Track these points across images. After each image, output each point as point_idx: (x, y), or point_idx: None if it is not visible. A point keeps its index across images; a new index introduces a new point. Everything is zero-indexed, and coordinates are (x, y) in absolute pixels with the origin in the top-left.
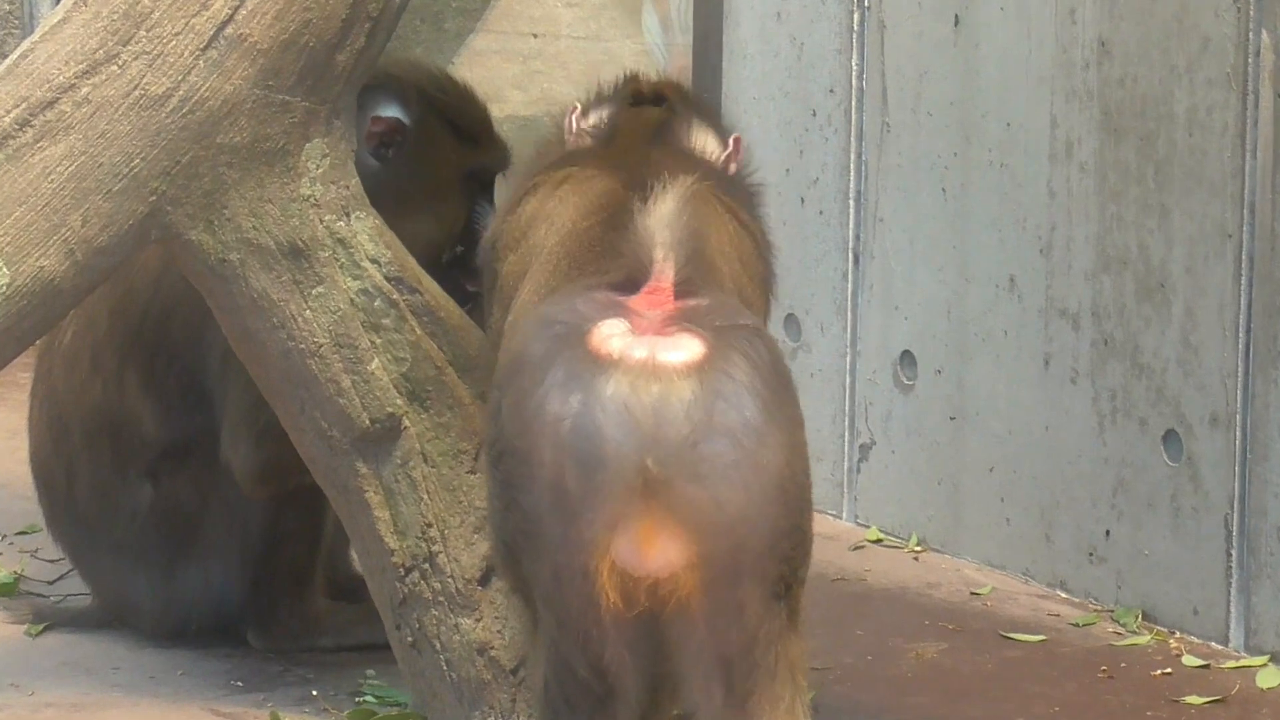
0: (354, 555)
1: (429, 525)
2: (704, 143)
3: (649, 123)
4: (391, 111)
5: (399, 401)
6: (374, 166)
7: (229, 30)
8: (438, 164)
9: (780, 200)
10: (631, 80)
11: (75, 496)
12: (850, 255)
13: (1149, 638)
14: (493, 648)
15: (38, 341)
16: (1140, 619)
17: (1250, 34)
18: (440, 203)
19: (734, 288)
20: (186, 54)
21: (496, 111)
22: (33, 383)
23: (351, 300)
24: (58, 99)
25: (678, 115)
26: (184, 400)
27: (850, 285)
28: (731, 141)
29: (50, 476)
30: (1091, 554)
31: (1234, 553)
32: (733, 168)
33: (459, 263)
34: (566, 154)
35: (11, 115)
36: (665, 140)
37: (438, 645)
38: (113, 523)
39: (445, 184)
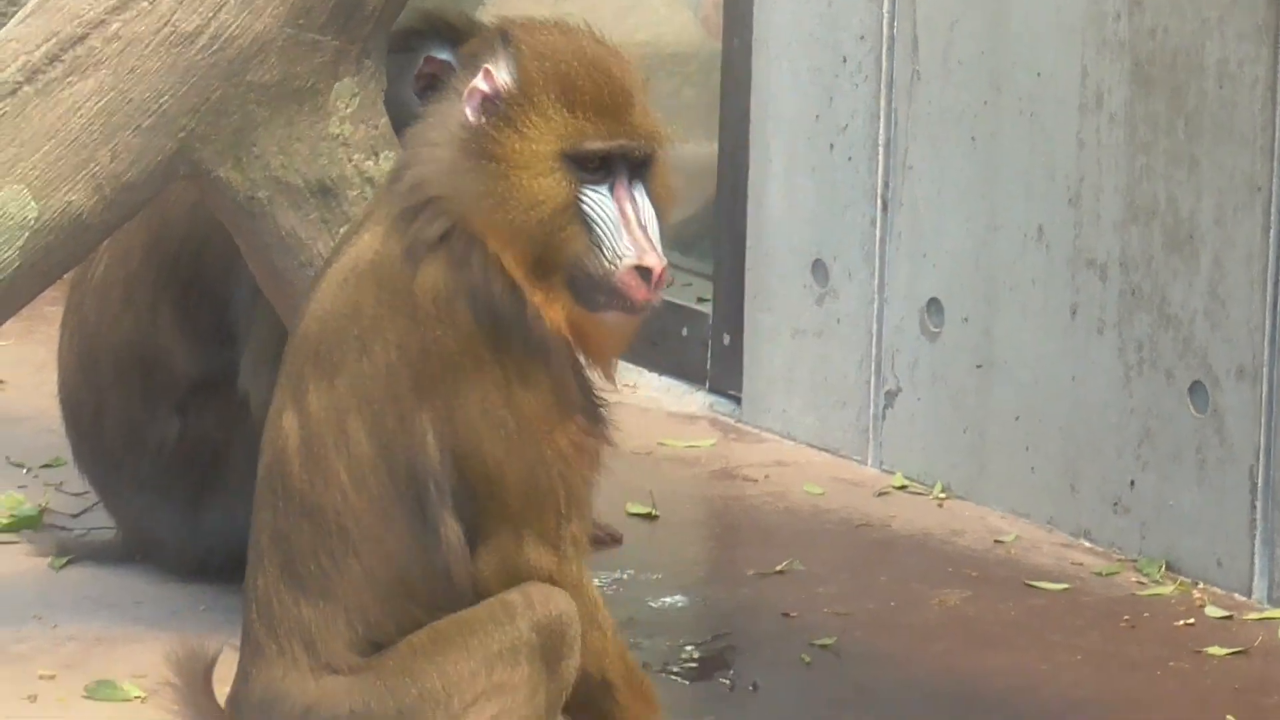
0: None
1: None
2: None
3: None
4: (445, 55)
5: None
6: (417, 107)
7: None
8: None
9: (810, 146)
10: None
11: (103, 429)
12: (879, 202)
13: (1172, 588)
14: None
15: (68, 274)
16: (1164, 570)
17: None
18: None
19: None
20: None
21: None
22: (63, 315)
23: None
24: (88, 34)
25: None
26: (215, 335)
27: (878, 232)
28: (481, 74)
29: (78, 409)
30: (1116, 504)
31: (1259, 505)
32: (468, 113)
33: None
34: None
35: (41, 50)
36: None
37: None
38: (139, 456)
39: None
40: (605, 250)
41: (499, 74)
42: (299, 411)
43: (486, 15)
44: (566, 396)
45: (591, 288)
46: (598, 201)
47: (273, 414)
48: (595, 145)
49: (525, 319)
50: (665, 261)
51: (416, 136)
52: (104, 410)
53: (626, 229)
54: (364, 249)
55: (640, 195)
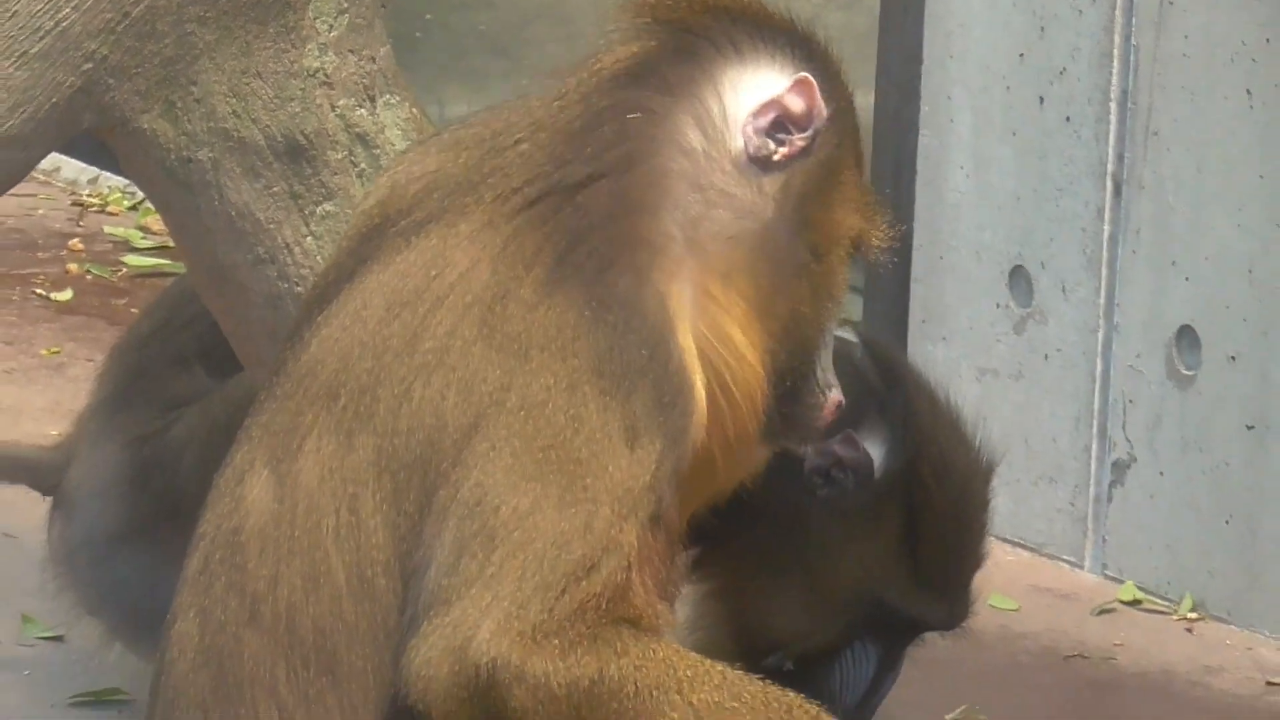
0: None
1: None
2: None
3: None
4: None
5: None
6: None
7: None
8: None
9: (1009, 100)
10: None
11: None
12: (1108, 183)
13: None
14: None
15: None
16: None
17: None
18: None
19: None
20: None
21: None
22: None
23: None
24: None
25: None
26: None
27: (1107, 227)
28: (791, 86)
29: None
30: None
31: None
32: (749, 141)
33: None
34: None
35: None
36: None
37: None
38: None
39: None
40: (819, 377)
41: (815, 95)
42: (277, 477)
43: None
44: (667, 479)
45: (794, 416)
46: None
47: (225, 482)
48: (884, 239)
49: (686, 373)
50: None
51: (599, 134)
52: None
53: (831, 356)
54: (438, 264)
55: None
